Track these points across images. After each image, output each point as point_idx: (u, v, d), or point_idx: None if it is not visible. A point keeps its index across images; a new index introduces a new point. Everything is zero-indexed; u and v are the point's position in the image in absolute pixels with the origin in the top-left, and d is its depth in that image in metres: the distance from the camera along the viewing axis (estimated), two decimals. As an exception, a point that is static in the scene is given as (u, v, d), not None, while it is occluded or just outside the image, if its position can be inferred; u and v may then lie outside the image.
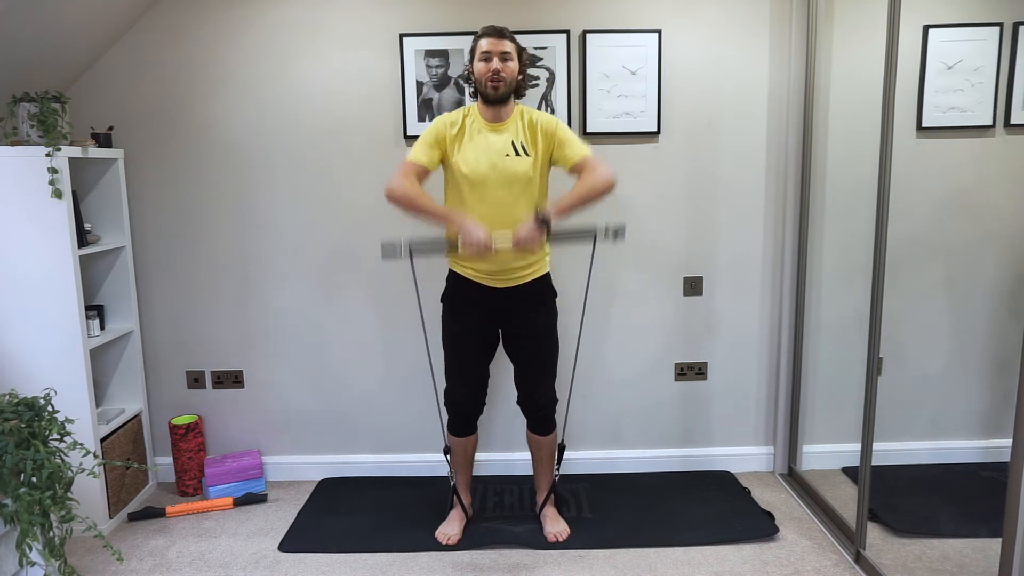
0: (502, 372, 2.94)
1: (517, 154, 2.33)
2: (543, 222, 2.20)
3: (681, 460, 3.15)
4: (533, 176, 2.34)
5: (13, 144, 2.52)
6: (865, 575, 2.35)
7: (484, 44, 2.31)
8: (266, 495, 2.97)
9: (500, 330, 2.52)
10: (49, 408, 2.09)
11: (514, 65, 2.33)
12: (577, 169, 2.32)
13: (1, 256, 2.53)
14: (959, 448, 3.09)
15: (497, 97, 2.32)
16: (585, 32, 2.85)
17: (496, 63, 2.29)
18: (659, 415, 3.13)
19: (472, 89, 2.41)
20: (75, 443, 2.09)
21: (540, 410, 2.54)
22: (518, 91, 2.39)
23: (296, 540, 2.62)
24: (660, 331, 3.07)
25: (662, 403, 3.13)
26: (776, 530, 2.62)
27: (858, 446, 2.42)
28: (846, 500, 2.69)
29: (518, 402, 2.58)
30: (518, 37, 2.46)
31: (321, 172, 2.96)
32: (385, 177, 2.93)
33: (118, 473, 2.81)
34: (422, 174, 2.34)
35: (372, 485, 3.05)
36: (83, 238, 2.69)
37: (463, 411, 2.55)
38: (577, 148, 2.34)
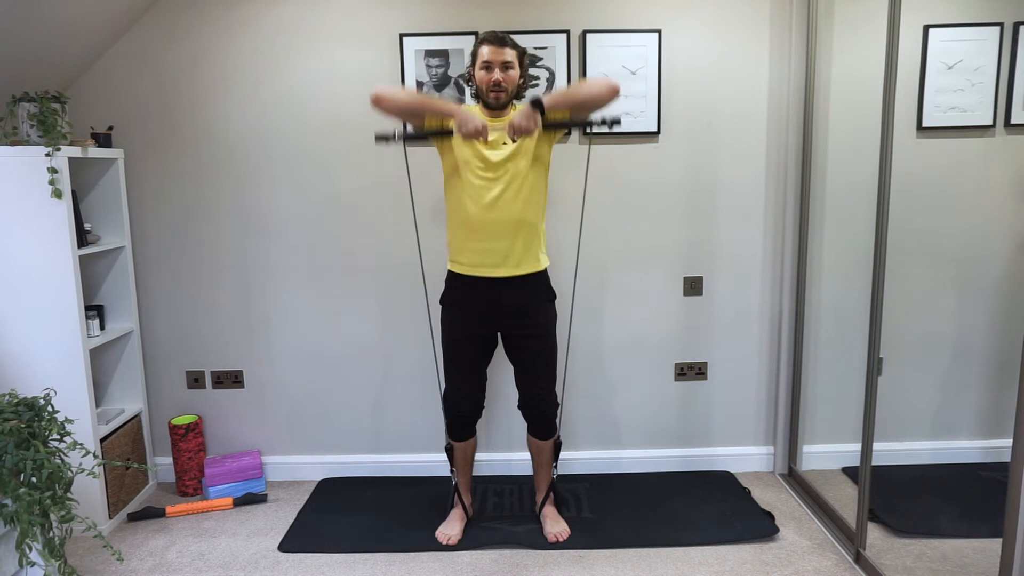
0: (502, 374, 2.93)
1: (513, 141, 2.32)
2: (537, 104, 2.21)
3: (681, 460, 3.15)
4: (531, 163, 2.33)
5: (13, 144, 2.52)
6: (865, 575, 2.35)
7: (485, 53, 2.30)
8: (266, 495, 2.97)
9: (499, 333, 2.52)
10: (49, 408, 2.09)
11: (515, 73, 2.34)
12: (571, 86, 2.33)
13: (1, 256, 2.53)
14: (959, 448, 3.09)
15: (499, 106, 2.34)
16: (585, 32, 2.85)
17: (497, 74, 2.30)
18: (659, 415, 3.13)
19: (473, 90, 2.42)
20: (75, 443, 2.09)
21: (542, 414, 2.54)
22: (517, 93, 2.40)
23: (296, 540, 2.62)
24: (660, 331, 3.07)
25: (662, 403, 3.13)
26: (776, 530, 2.62)
27: (858, 446, 2.42)
28: (846, 500, 2.69)
29: (519, 406, 2.58)
30: (518, 37, 2.46)
31: (321, 172, 2.96)
32: (386, 177, 2.95)
33: (118, 473, 2.81)
34: None
35: (372, 485, 3.05)
36: (83, 238, 2.69)
37: (462, 416, 2.55)
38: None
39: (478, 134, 2.21)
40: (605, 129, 2.35)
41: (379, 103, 2.29)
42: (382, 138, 2.35)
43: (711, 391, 3.12)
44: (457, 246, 2.43)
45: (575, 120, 2.34)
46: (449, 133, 2.30)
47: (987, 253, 2.97)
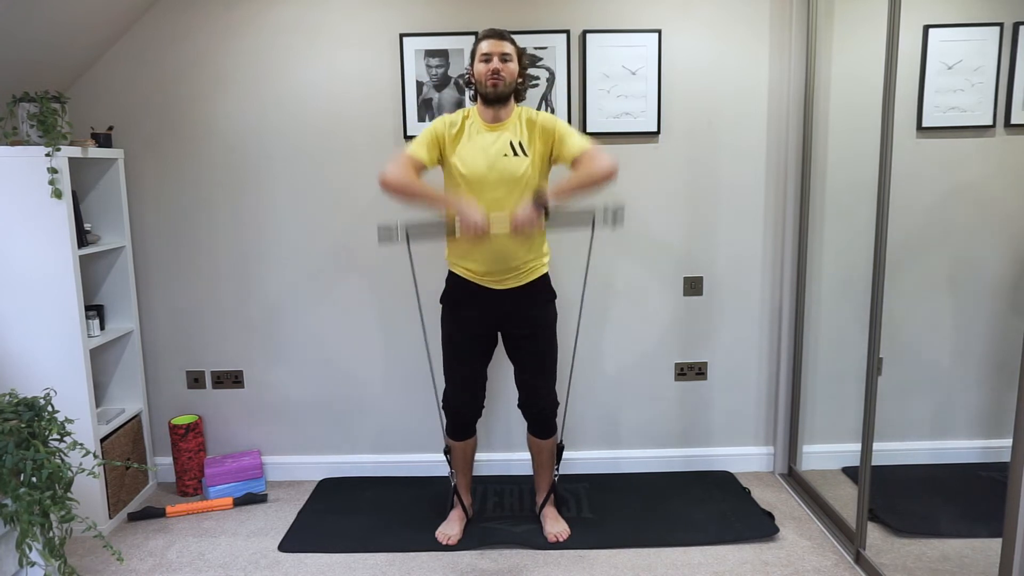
0: (502, 373, 2.94)
1: (516, 154, 2.33)
2: (540, 204, 2.23)
3: (681, 460, 3.15)
4: (532, 176, 2.35)
5: (13, 144, 2.52)
6: (865, 575, 2.35)
7: (484, 46, 2.33)
8: (266, 495, 2.97)
9: (499, 332, 2.52)
10: (49, 408, 2.09)
11: (514, 66, 2.34)
12: (577, 162, 2.32)
13: (1, 256, 2.53)
14: (959, 448, 3.09)
15: (497, 96, 2.32)
16: (585, 32, 2.85)
17: (496, 63, 2.30)
18: (659, 415, 3.13)
19: (472, 92, 2.42)
20: (75, 443, 2.09)
21: (541, 413, 2.54)
22: (518, 94, 2.40)
23: (296, 540, 2.62)
24: (660, 331, 3.07)
25: (662, 403, 3.13)
26: (776, 530, 2.62)
27: (858, 446, 2.42)
28: (846, 500, 2.69)
29: (519, 405, 2.58)
30: (518, 37, 2.47)
31: (321, 172, 2.96)
32: (385, 177, 2.95)
33: (118, 473, 2.81)
34: (419, 168, 2.34)
35: (372, 485, 3.05)
36: (83, 238, 2.69)
37: (462, 416, 2.55)
38: (577, 141, 2.34)
39: (478, 229, 2.21)
40: (609, 227, 2.36)
41: (383, 186, 2.30)
42: (384, 236, 2.34)
43: (711, 391, 3.12)
44: (458, 255, 2.44)
45: (580, 220, 2.35)
46: (452, 232, 2.31)
47: (987, 253, 2.97)
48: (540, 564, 2.44)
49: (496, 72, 2.30)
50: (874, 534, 2.52)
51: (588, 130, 2.89)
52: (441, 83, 2.87)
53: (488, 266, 2.39)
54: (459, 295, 2.46)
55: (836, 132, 2.89)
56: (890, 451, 3.03)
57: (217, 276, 3.03)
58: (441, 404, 2.59)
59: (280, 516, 2.82)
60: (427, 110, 2.88)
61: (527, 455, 2.75)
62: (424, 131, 2.39)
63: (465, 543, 2.56)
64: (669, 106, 2.91)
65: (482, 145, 2.34)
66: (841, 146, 2.89)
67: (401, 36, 2.85)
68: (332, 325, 3.06)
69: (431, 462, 3.11)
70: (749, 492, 2.92)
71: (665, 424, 3.14)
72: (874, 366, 2.34)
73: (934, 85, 2.83)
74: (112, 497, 2.76)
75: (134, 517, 2.81)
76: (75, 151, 2.59)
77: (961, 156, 2.90)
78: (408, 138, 2.90)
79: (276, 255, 3.01)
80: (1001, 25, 2.79)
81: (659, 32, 2.85)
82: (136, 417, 3.00)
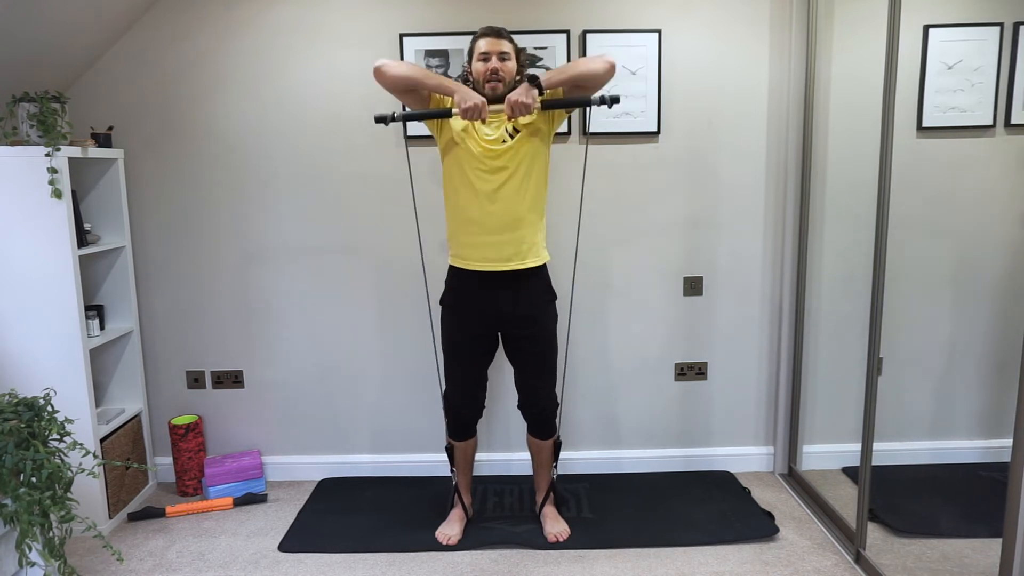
0: (502, 374, 2.94)
1: (512, 138, 2.32)
2: (534, 83, 2.22)
3: (681, 460, 3.15)
4: (530, 150, 2.33)
5: (13, 144, 2.52)
6: (865, 575, 2.35)
7: (483, 44, 2.33)
8: (266, 495, 2.97)
9: (499, 333, 2.52)
10: (49, 408, 2.09)
11: (512, 65, 2.34)
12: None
13: (1, 256, 2.53)
14: (959, 448, 3.09)
15: (496, 97, 2.31)
16: (585, 32, 2.85)
17: (495, 62, 2.30)
18: (659, 415, 3.13)
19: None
20: (75, 443, 2.09)
21: (541, 413, 2.54)
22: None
23: (296, 540, 2.62)
24: (660, 331, 3.07)
25: (662, 403, 3.13)
26: (776, 530, 2.62)
27: (858, 446, 2.42)
28: (846, 500, 2.69)
29: (519, 406, 2.58)
30: (518, 37, 2.47)
31: (321, 172, 2.96)
32: (387, 177, 2.95)
33: (118, 473, 2.81)
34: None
35: (372, 485, 3.05)
36: (83, 238, 2.69)
37: (462, 416, 2.55)
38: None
39: (478, 112, 2.20)
40: (605, 108, 2.34)
41: (380, 74, 2.27)
42: (380, 119, 2.33)
43: (711, 391, 3.12)
44: (457, 239, 2.42)
45: (574, 100, 2.33)
46: (447, 114, 2.30)
47: (987, 253, 2.97)
48: (540, 564, 2.44)
49: (495, 72, 2.30)
50: (874, 534, 2.52)
51: (588, 130, 2.89)
52: (441, 83, 2.87)
53: (483, 247, 2.35)
54: (458, 294, 2.46)
55: (836, 132, 2.89)
56: (890, 451, 3.03)
57: (217, 276, 3.03)
58: (442, 405, 2.59)
59: (280, 516, 2.82)
60: (427, 110, 2.88)
61: (527, 455, 2.75)
62: None
63: (465, 543, 2.56)
64: (669, 106, 2.91)
65: (480, 134, 2.33)
66: (841, 146, 2.89)
67: (401, 36, 2.84)
68: (332, 325, 3.06)
69: (431, 462, 3.11)
70: (749, 492, 2.92)
71: (665, 424, 3.14)
72: (874, 366, 2.34)
73: (934, 85, 2.83)
74: (112, 497, 2.76)
75: (134, 517, 2.81)
76: (75, 151, 2.59)
77: (961, 156, 2.90)
78: (408, 138, 2.90)
79: (276, 255, 3.01)
80: (1001, 25, 2.79)
81: (659, 32, 2.84)
82: (136, 417, 3.00)
